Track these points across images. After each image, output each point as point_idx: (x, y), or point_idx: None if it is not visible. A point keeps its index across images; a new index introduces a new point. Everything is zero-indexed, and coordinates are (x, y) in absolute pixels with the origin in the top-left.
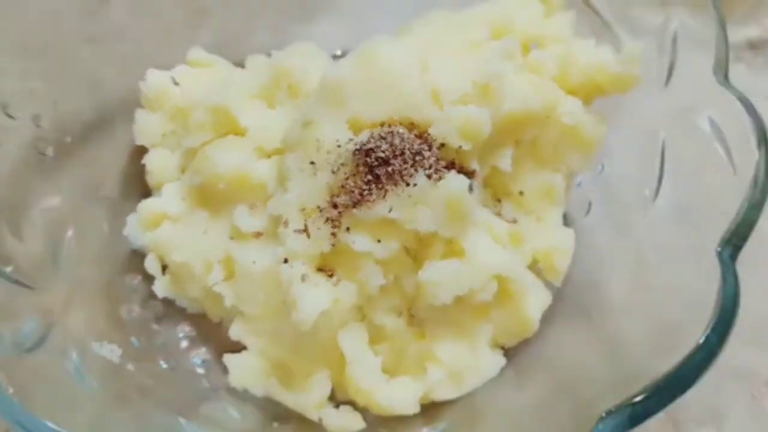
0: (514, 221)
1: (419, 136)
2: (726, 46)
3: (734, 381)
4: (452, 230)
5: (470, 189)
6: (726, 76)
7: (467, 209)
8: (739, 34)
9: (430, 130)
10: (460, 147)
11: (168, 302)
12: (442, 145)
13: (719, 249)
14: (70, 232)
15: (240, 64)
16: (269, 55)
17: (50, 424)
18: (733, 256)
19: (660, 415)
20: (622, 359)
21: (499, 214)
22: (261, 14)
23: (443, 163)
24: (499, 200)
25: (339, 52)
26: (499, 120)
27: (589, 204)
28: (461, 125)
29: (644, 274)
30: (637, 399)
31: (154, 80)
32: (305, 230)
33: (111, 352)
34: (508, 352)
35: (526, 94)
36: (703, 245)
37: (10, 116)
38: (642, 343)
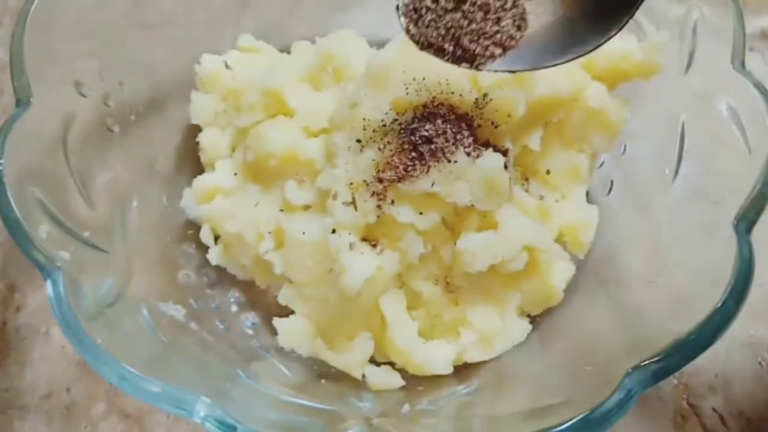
0: (541, 198)
1: (459, 117)
2: (743, 36)
3: (742, 350)
4: (488, 204)
5: (505, 167)
6: (743, 64)
7: (503, 185)
8: (752, 24)
9: (469, 111)
10: (497, 127)
11: (220, 270)
12: (479, 125)
13: (735, 222)
14: (134, 203)
15: (286, 51)
16: (313, 42)
17: (131, 369)
18: (749, 229)
19: (674, 381)
20: (640, 325)
21: (527, 191)
22: (301, 4)
23: (480, 141)
24: (527, 179)
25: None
26: (531, 102)
27: (611, 183)
28: (498, 107)
29: (662, 249)
30: (660, 356)
31: (209, 64)
32: (353, 202)
33: (176, 311)
34: (534, 320)
35: (556, 80)
36: (719, 221)
37: (82, 95)
38: (659, 311)
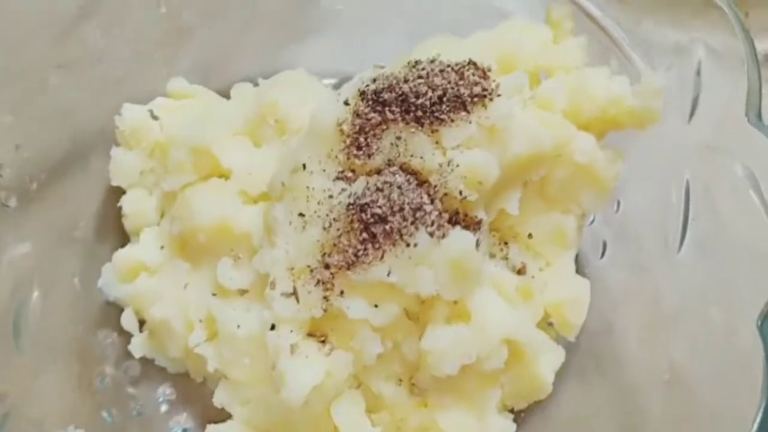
0: (522, 266)
1: (420, 184)
2: (758, 80)
3: None
4: (457, 293)
5: (477, 244)
6: (759, 116)
7: (474, 269)
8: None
9: (431, 179)
10: (465, 197)
11: (146, 362)
12: (445, 194)
13: (760, 322)
14: (35, 294)
15: (224, 93)
16: (256, 84)
17: None
18: None
19: None
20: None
21: (506, 258)
22: (247, 34)
23: (446, 215)
24: (506, 243)
25: (333, 81)
26: (506, 162)
27: (604, 244)
28: (466, 173)
29: (663, 324)
30: None
31: (131, 115)
32: (294, 293)
33: None
34: (519, 416)
35: (536, 133)
36: (736, 311)
37: None
38: (661, 411)
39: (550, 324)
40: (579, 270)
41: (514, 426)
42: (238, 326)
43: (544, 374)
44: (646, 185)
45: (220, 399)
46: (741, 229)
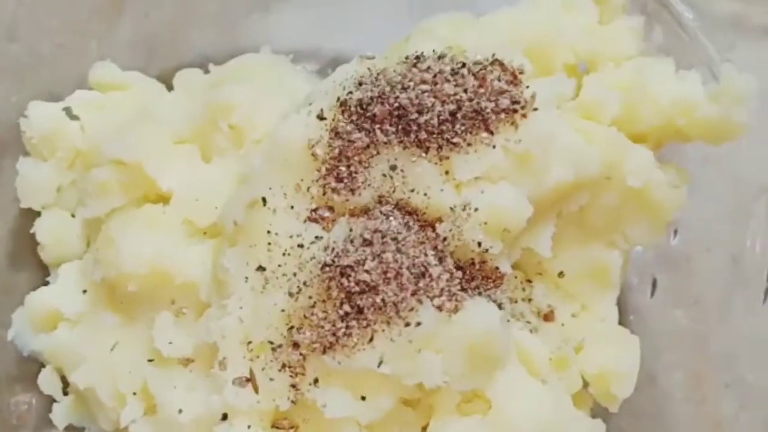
0: (550, 310)
1: (423, 227)
2: None
3: None
4: (474, 381)
5: (500, 306)
6: None
7: (497, 352)
8: None
9: (439, 228)
10: (486, 250)
11: (74, 431)
12: (456, 247)
13: None
14: None
15: (168, 81)
16: (207, 70)
17: None
18: None
19: None
20: None
21: (528, 299)
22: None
23: (458, 276)
24: (529, 281)
25: (315, 67)
26: (541, 195)
27: (654, 282)
28: (488, 218)
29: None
30: None
31: (41, 116)
32: (251, 379)
33: None
34: None
35: (580, 154)
36: None
37: None
38: None
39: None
40: (620, 309)
41: None
42: (180, 411)
43: None
44: (715, 208)
45: None
46: None
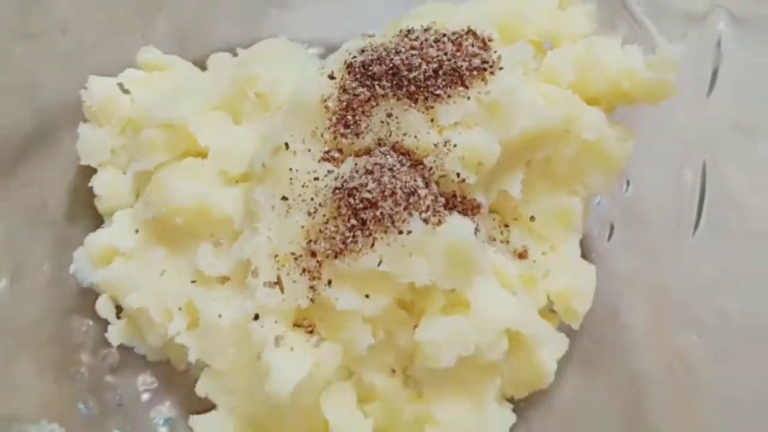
0: (524, 249)
1: (414, 165)
2: None
3: None
4: (454, 282)
5: (475, 231)
6: None
7: (472, 258)
8: None
9: (426, 160)
10: (464, 180)
11: (125, 349)
12: (440, 177)
13: None
14: (3, 281)
15: (201, 64)
16: (235, 53)
17: None
18: None
19: None
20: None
21: (506, 242)
22: None
23: (442, 200)
24: (506, 226)
25: (320, 51)
26: (508, 141)
27: (611, 227)
28: (464, 153)
29: (671, 311)
30: None
31: (99, 89)
32: (278, 283)
33: None
34: (519, 405)
35: (542, 109)
36: (746, 290)
37: None
38: (667, 399)
39: (553, 311)
40: (584, 254)
41: (514, 416)
42: (220, 316)
43: (545, 363)
44: (659, 164)
45: (203, 389)
46: (759, 214)
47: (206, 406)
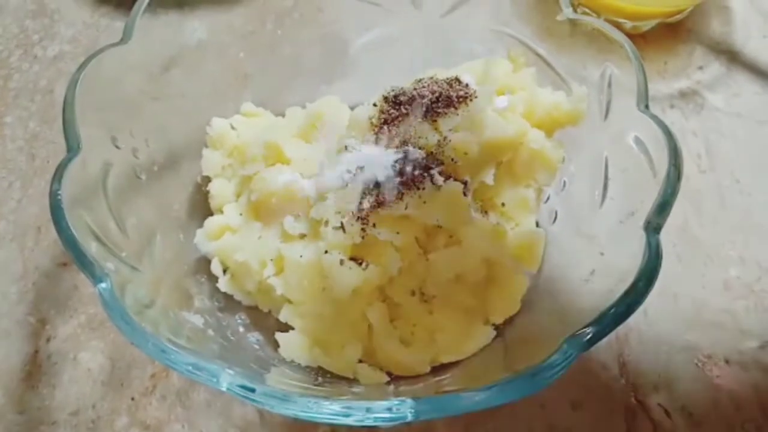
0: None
1: (427, 155)
2: (645, 85)
3: (681, 354)
4: (452, 223)
5: (465, 193)
6: (646, 106)
7: (463, 206)
8: (672, 86)
9: (433, 151)
10: (456, 163)
11: (228, 297)
12: (442, 162)
13: (645, 225)
14: (158, 237)
15: (281, 116)
16: (304, 107)
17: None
18: (656, 230)
19: (622, 381)
20: (578, 316)
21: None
22: (292, 77)
23: (444, 175)
24: (486, 212)
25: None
26: (483, 144)
27: (555, 214)
28: (456, 146)
29: (596, 260)
30: (590, 326)
31: (218, 125)
32: (342, 227)
33: (196, 319)
34: (497, 328)
35: (502, 125)
36: (636, 228)
37: (117, 147)
38: (592, 301)
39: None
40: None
41: (494, 332)
42: (301, 256)
43: (514, 294)
44: (582, 168)
45: (284, 316)
46: (637, 180)
47: (285, 331)
